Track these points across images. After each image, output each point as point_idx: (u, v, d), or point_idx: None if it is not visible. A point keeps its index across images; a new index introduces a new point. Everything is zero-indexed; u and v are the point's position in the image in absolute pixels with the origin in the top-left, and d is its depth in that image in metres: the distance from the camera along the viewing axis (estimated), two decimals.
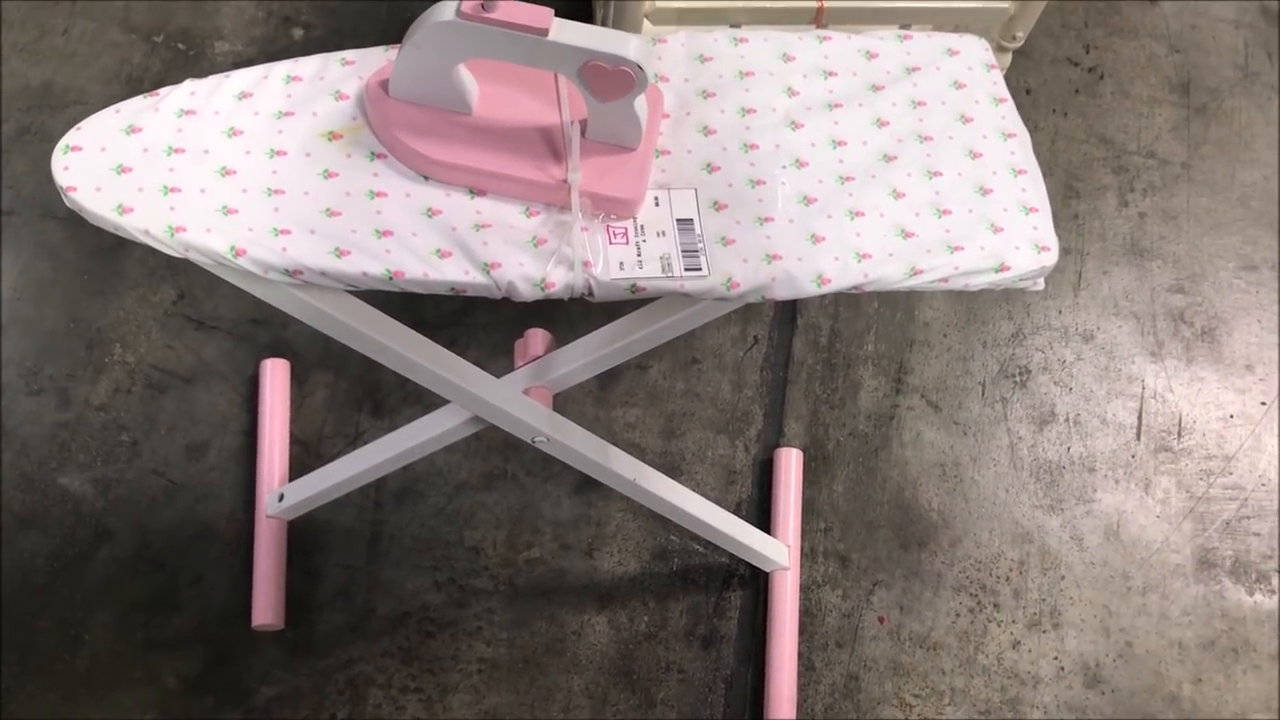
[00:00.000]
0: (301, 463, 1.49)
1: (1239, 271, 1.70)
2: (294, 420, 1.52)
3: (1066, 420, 1.59)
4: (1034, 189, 0.98)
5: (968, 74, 1.03)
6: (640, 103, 0.90)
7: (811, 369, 1.60)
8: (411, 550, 1.47)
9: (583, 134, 0.92)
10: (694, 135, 0.96)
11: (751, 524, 1.48)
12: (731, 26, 1.29)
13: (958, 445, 1.57)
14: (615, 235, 0.91)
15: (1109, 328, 1.65)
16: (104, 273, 1.56)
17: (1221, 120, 1.80)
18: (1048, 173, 1.71)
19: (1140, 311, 1.66)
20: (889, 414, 1.58)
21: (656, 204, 0.93)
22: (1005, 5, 1.23)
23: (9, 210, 1.58)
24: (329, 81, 0.94)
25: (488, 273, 0.87)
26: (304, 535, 1.46)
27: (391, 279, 0.87)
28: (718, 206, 0.93)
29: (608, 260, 0.89)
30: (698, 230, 0.92)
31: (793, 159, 0.96)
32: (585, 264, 0.89)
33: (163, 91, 0.92)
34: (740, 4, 1.22)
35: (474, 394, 1.12)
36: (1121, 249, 1.70)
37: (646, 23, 1.23)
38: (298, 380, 1.54)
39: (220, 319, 1.56)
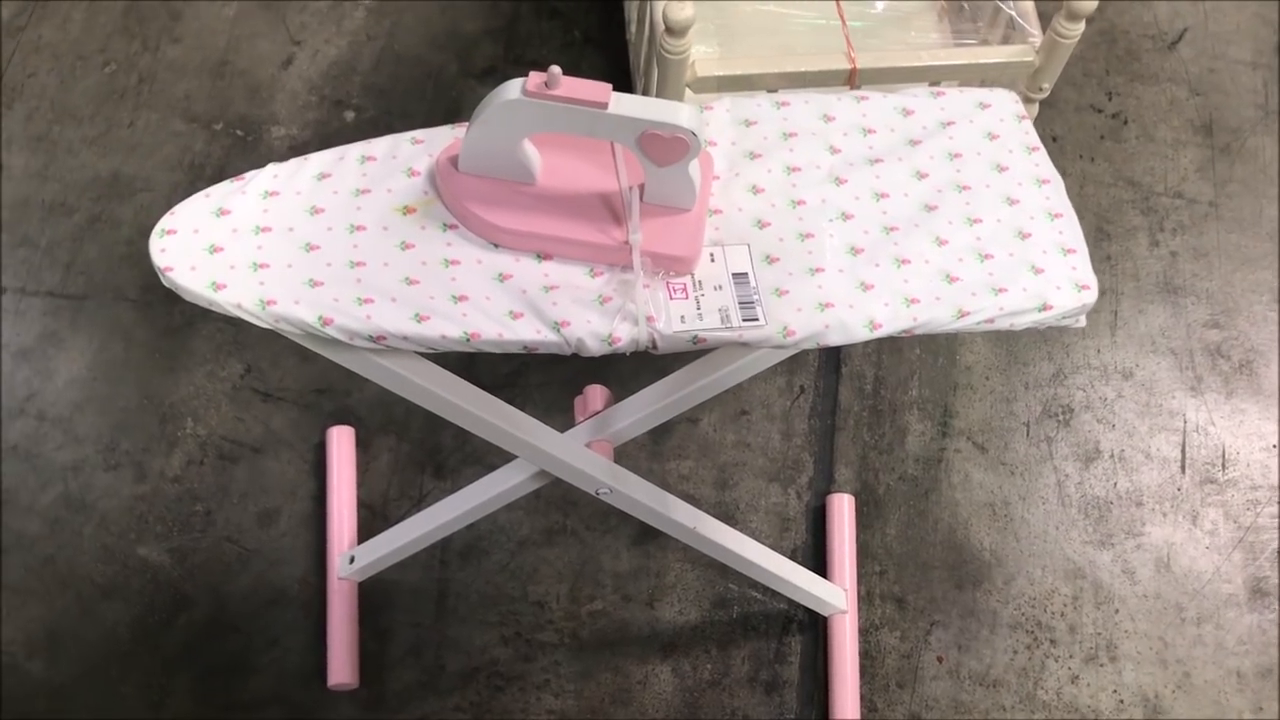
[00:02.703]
0: (369, 525, 1.54)
1: (1272, 304, 1.73)
2: (360, 484, 1.57)
3: (1111, 456, 1.62)
4: (1071, 231, 1.03)
5: (1000, 125, 1.09)
6: (694, 166, 0.95)
7: (859, 416, 1.65)
8: (478, 606, 1.51)
9: (641, 197, 0.98)
10: (744, 194, 1.02)
11: (807, 569, 1.52)
12: (769, 91, 1.35)
13: (1006, 485, 1.60)
14: (675, 291, 0.96)
15: (1148, 364, 1.68)
16: (174, 350, 1.63)
17: (1245, 159, 1.84)
18: (1078, 216, 1.76)
19: (1178, 347, 1.70)
20: (936, 457, 1.62)
21: (712, 260, 0.98)
22: (1030, 59, 1.29)
23: (83, 295, 1.66)
24: (401, 160, 1.01)
25: (558, 331, 0.93)
26: (374, 595, 1.51)
27: (469, 340, 0.92)
28: (770, 260, 0.98)
29: (669, 314, 0.95)
30: (753, 283, 0.97)
31: (839, 212, 1.01)
32: (649, 319, 0.94)
33: (248, 175, 0.99)
34: (776, 70, 1.28)
35: (541, 449, 1.17)
36: (1155, 287, 1.73)
37: (688, 90, 1.29)
38: (362, 446, 1.59)
39: (286, 390, 1.62)
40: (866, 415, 1.65)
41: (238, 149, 1.80)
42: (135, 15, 1.90)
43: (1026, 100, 1.35)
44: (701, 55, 1.42)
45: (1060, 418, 1.65)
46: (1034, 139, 1.08)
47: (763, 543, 1.53)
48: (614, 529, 1.55)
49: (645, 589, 1.53)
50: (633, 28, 1.62)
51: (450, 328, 0.92)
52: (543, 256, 0.97)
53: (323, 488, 1.55)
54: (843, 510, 1.56)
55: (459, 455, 1.59)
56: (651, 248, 0.96)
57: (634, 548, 1.55)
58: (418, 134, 1.03)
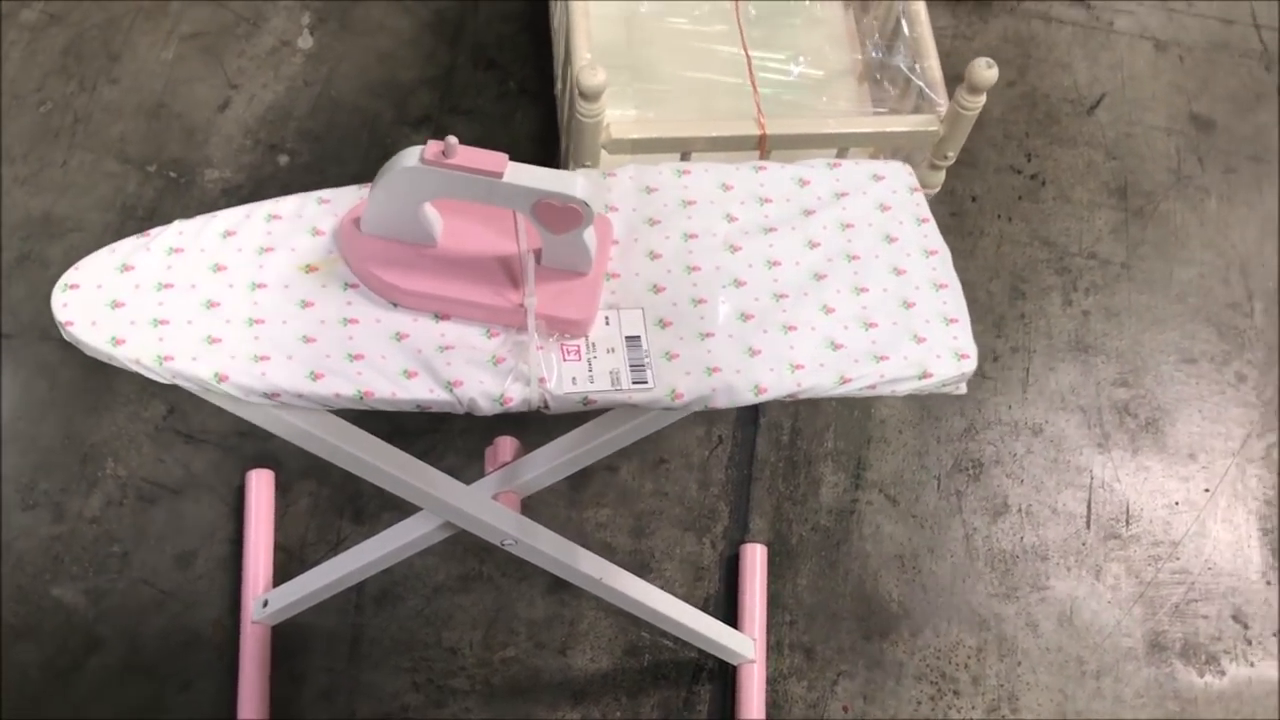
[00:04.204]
0: (285, 569, 1.55)
1: (1179, 364, 1.79)
2: (278, 528, 1.58)
3: (1019, 511, 1.66)
4: (954, 301, 1.07)
5: (892, 197, 1.13)
6: (589, 233, 0.99)
7: (774, 466, 1.68)
8: (391, 652, 1.53)
9: (538, 261, 1.01)
10: (641, 259, 1.05)
11: (719, 619, 1.55)
12: (682, 156, 1.39)
13: (915, 537, 1.64)
14: (569, 353, 0.99)
15: (1057, 421, 1.73)
16: (98, 390, 1.64)
17: (1158, 222, 1.90)
18: (994, 275, 1.82)
19: (1087, 405, 1.74)
20: (849, 508, 1.65)
21: (607, 323, 1.01)
22: (934, 128, 1.34)
23: (9, 334, 1.67)
24: (306, 219, 1.03)
25: (451, 390, 0.95)
26: (289, 639, 1.52)
27: (362, 399, 0.95)
28: (664, 324, 1.02)
29: (561, 376, 0.98)
30: (645, 346, 1.00)
31: (732, 279, 1.05)
32: (541, 380, 0.97)
33: (153, 232, 1.01)
34: (688, 134, 1.32)
35: (444, 500, 1.19)
36: (1067, 346, 1.78)
37: (604, 152, 1.33)
38: (282, 490, 1.61)
39: (209, 432, 1.63)
40: (782, 466, 1.68)
41: (171, 191, 1.81)
42: (74, 55, 1.91)
43: (933, 167, 1.40)
44: (619, 118, 1.46)
45: (970, 472, 1.69)
46: (924, 211, 1.12)
47: (676, 592, 1.56)
48: (529, 576, 1.57)
49: (558, 636, 1.55)
50: (559, 84, 1.66)
51: (344, 386, 0.95)
52: (441, 317, 1.00)
53: (241, 531, 1.57)
54: (755, 560, 1.59)
55: (378, 500, 1.61)
56: (547, 310, 0.99)
57: (549, 595, 1.57)
58: (324, 194, 1.06)
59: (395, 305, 1.00)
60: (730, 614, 1.57)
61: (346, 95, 1.93)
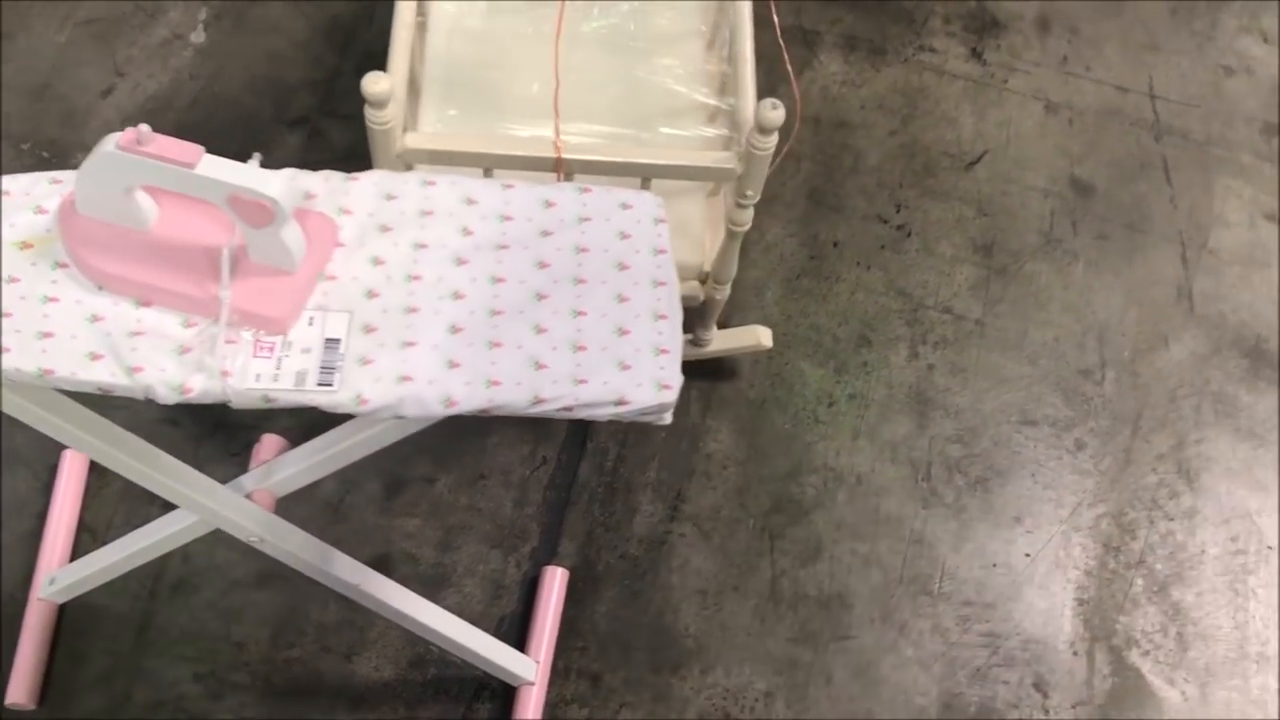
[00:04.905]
0: (87, 549, 1.56)
1: (1019, 426, 1.77)
2: (87, 509, 1.59)
3: (831, 558, 1.65)
4: (670, 333, 1.07)
5: (635, 226, 1.13)
6: (292, 232, 1.00)
7: (594, 491, 1.67)
8: (178, 641, 1.53)
9: (247, 255, 1.02)
10: (364, 264, 1.06)
11: (513, 639, 1.54)
12: (485, 173, 1.40)
13: (722, 574, 1.63)
14: (262, 349, 1.00)
15: (884, 471, 1.72)
16: None
17: (1020, 282, 1.89)
18: (844, 321, 1.81)
19: (917, 459, 1.73)
20: (661, 539, 1.65)
21: (310, 323, 1.02)
22: (731, 166, 1.34)
23: None
24: (34, 197, 1.04)
25: (131, 375, 0.96)
26: (79, 619, 1.53)
27: (43, 375, 0.95)
28: (368, 329, 1.02)
29: (246, 371, 0.98)
30: (342, 350, 1.01)
31: (451, 292, 1.05)
32: (224, 373, 0.97)
33: None
34: (485, 150, 1.33)
35: (189, 495, 1.19)
36: (906, 398, 1.77)
37: (397, 160, 1.33)
38: (97, 471, 1.62)
39: None
40: (602, 491, 1.67)
41: (40, 170, 1.83)
42: None
43: (739, 206, 1.40)
44: (434, 122, 1.47)
45: (788, 513, 1.68)
46: (663, 242, 1.12)
47: (473, 608, 1.56)
48: None
49: (346, 642, 1.55)
50: None
51: (26, 362, 0.95)
52: (143, 303, 1.00)
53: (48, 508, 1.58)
54: (554, 584, 1.58)
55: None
56: (244, 305, 1.00)
57: (342, 600, 1.56)
58: (58, 174, 1.07)
59: (101, 288, 1.00)
60: (523, 635, 1.57)
61: (229, 91, 1.95)
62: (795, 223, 1.90)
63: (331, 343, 1.01)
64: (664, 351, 1.06)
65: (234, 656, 1.53)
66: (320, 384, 0.98)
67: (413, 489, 1.65)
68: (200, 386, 0.97)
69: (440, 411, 1.00)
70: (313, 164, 1.87)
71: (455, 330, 1.03)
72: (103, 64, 1.96)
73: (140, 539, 1.38)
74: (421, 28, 1.65)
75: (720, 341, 1.72)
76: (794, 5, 2.13)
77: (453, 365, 1.01)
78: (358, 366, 1.00)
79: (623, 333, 1.06)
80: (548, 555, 1.63)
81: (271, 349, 1.00)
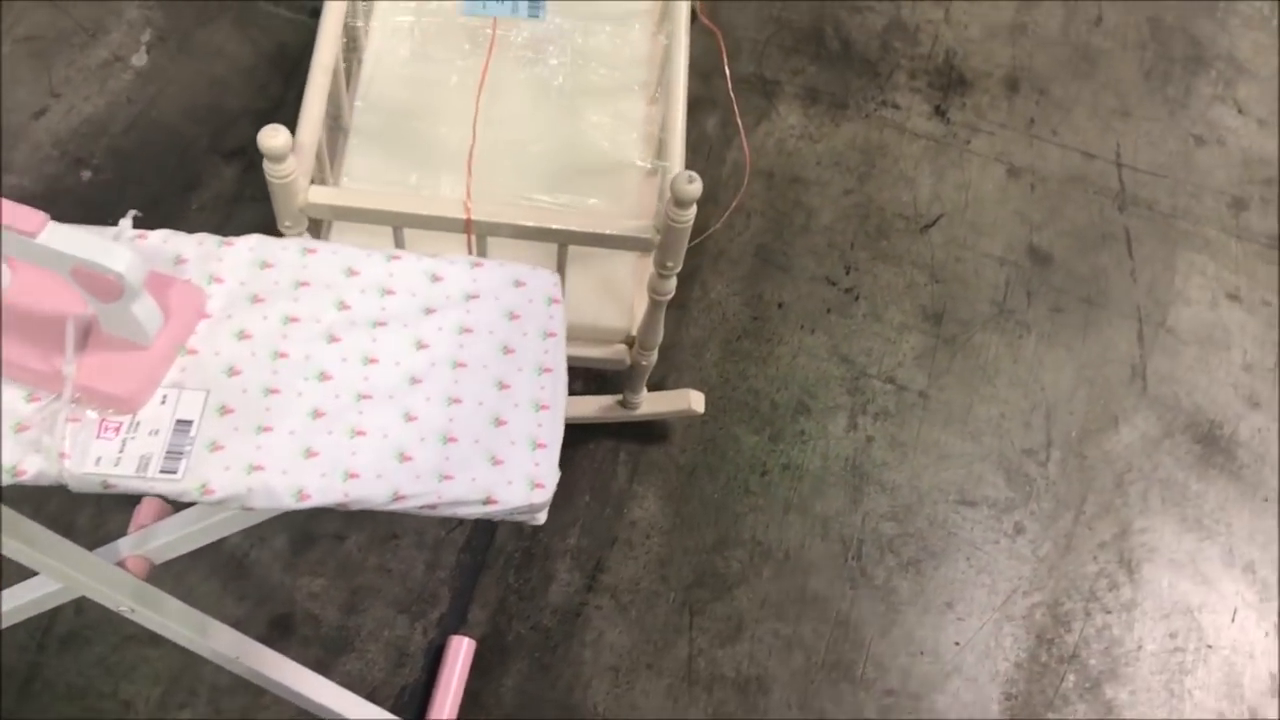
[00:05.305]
0: None
1: (957, 506, 1.71)
2: None
3: (751, 638, 1.59)
4: (550, 425, 1.01)
5: (526, 306, 1.07)
6: (143, 306, 0.94)
7: (510, 556, 1.61)
8: (63, 696, 1.47)
9: (100, 328, 0.96)
10: (228, 339, 1.00)
11: (412, 711, 1.49)
12: (395, 231, 1.34)
13: (637, 650, 1.57)
14: (107, 429, 0.94)
15: (814, 548, 1.66)
16: None
17: (968, 353, 1.83)
18: (783, 386, 1.75)
19: (848, 536, 1.67)
20: (576, 610, 1.58)
21: (163, 402, 0.96)
22: (649, 236, 1.28)
23: None
24: None
25: None
26: None
27: None
28: (224, 411, 0.96)
29: (85, 454, 0.92)
30: (193, 433, 0.95)
31: (318, 371, 0.99)
32: (61, 455, 0.92)
33: None
34: (390, 208, 1.27)
35: (54, 565, 1.13)
36: (841, 471, 1.71)
37: (300, 214, 1.28)
38: None
39: None
40: (519, 557, 1.61)
41: None
42: None
43: (660, 276, 1.34)
44: (361, 167, 1.42)
45: (711, 588, 1.61)
46: (555, 325, 1.07)
47: (375, 675, 1.50)
48: None
49: (239, 706, 1.49)
50: None
51: None
52: None
53: None
54: (458, 654, 1.52)
55: (91, 538, 1.55)
56: (90, 381, 0.94)
57: None
58: None
59: None
60: (425, 707, 1.50)
61: (167, 117, 1.90)
62: (740, 280, 1.84)
63: (182, 425, 0.95)
64: (541, 446, 1.00)
65: (120, 714, 1.47)
66: (164, 471, 0.92)
67: (321, 546, 1.59)
68: (35, 469, 0.91)
69: (291, 505, 0.94)
70: (247, 198, 1.83)
71: (317, 415, 0.97)
72: (38, 83, 1.90)
73: (17, 597, 1.32)
74: (357, 66, 1.60)
75: (650, 405, 1.66)
76: (756, 54, 2.08)
77: (310, 454, 0.95)
78: (207, 452, 0.94)
79: (499, 423, 1.00)
80: (456, 623, 1.56)
81: (118, 429, 0.94)
